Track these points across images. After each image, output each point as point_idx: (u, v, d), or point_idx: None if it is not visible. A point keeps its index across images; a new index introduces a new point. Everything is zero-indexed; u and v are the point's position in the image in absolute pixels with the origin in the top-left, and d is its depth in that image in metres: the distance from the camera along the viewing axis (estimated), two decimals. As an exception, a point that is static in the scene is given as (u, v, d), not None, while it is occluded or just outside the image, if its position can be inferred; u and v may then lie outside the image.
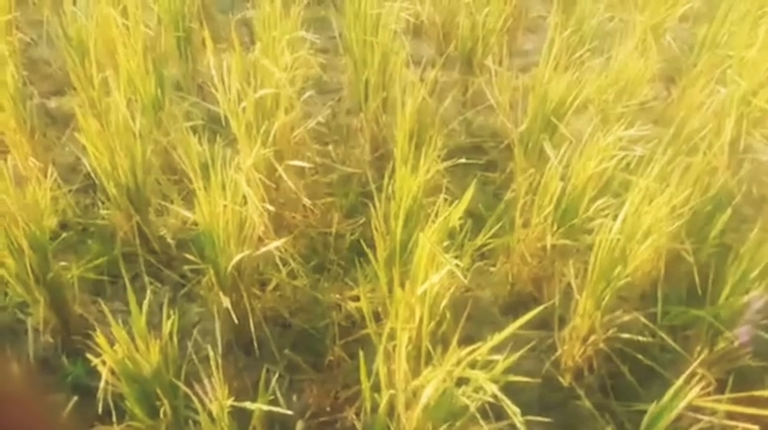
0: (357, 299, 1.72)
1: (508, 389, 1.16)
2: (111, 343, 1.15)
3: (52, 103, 2.48)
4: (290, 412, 1.09)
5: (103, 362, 1.13)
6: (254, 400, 1.20)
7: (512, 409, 0.98)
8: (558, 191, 1.55)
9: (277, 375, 1.62)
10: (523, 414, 1.12)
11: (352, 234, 1.96)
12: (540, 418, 1.30)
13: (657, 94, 2.62)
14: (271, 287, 1.78)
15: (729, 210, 1.62)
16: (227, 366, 1.62)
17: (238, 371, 1.63)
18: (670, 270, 1.74)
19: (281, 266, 1.77)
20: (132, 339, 1.10)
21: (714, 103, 2.12)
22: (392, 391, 1.10)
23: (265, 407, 1.09)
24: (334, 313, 1.75)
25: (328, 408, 1.57)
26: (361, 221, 1.98)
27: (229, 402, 1.04)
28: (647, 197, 1.39)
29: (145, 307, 1.12)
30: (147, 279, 1.81)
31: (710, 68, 2.36)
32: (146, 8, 2.28)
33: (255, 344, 1.61)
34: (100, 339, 1.07)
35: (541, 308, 1.17)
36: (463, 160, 1.85)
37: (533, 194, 1.68)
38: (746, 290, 1.42)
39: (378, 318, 1.63)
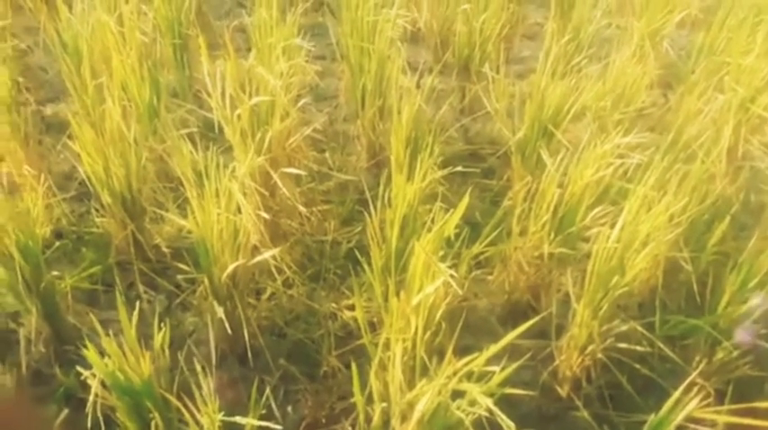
0: (353, 308, 1.70)
1: (506, 401, 1.15)
2: (103, 354, 1.13)
3: (48, 111, 2.47)
4: (279, 428, 1.07)
5: (94, 375, 1.11)
6: (247, 413, 1.19)
7: (506, 423, 0.97)
8: (555, 199, 1.54)
9: (272, 386, 1.60)
10: (521, 425, 1.11)
11: (348, 242, 1.95)
12: (537, 430, 1.28)
13: (655, 101, 2.61)
14: (266, 296, 1.77)
15: (728, 219, 1.61)
16: (222, 376, 1.61)
17: (233, 381, 1.61)
18: (668, 279, 1.73)
19: (276, 275, 1.76)
20: (123, 351, 1.08)
21: (712, 110, 2.11)
22: (384, 404, 1.08)
23: (255, 422, 1.07)
24: (330, 322, 1.74)
25: (324, 420, 1.55)
26: (358, 229, 1.97)
27: (219, 417, 1.03)
28: (644, 205, 1.37)
29: (135, 318, 1.10)
30: (141, 288, 1.79)
31: (708, 75, 2.35)
32: (141, 15, 2.27)
33: (250, 354, 1.60)
34: (90, 352, 1.06)
35: (538, 318, 1.15)
36: (460, 168, 1.83)
37: (531, 202, 1.66)
38: (745, 299, 1.40)
39: (374, 327, 1.61)
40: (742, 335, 1.50)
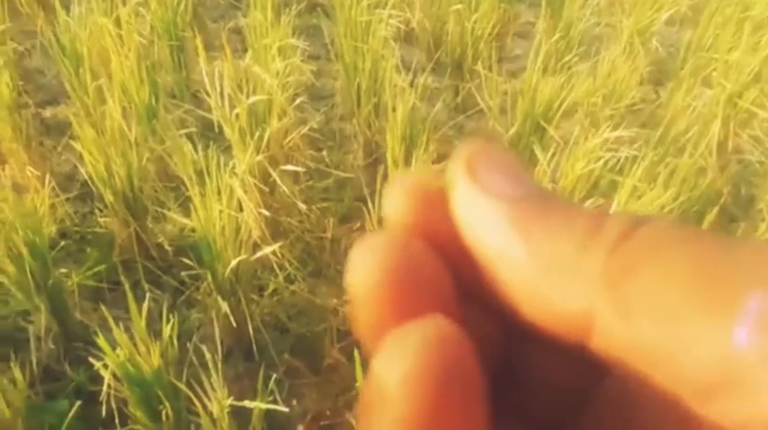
0: (353, 302, 1.74)
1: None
2: (113, 347, 1.17)
3: (47, 113, 2.49)
4: (285, 409, 1.11)
5: (105, 367, 1.15)
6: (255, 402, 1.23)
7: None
8: (548, 192, 1.58)
9: (277, 380, 1.64)
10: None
11: (348, 238, 1.99)
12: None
13: (645, 97, 2.66)
14: (269, 292, 1.80)
15: (715, 210, 1.66)
16: (228, 371, 1.64)
17: (238, 375, 1.65)
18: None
19: (278, 271, 1.80)
20: (134, 342, 1.12)
21: (700, 105, 2.16)
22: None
23: (264, 406, 1.12)
24: (332, 316, 1.78)
25: (328, 412, 1.59)
26: (357, 226, 2.01)
27: (229, 402, 1.07)
28: (633, 196, 1.42)
29: (144, 311, 1.14)
30: (146, 286, 1.83)
31: (697, 71, 2.41)
32: (139, 17, 2.30)
33: (255, 348, 1.64)
34: (102, 342, 1.09)
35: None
36: (455, 164, 1.88)
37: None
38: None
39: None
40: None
